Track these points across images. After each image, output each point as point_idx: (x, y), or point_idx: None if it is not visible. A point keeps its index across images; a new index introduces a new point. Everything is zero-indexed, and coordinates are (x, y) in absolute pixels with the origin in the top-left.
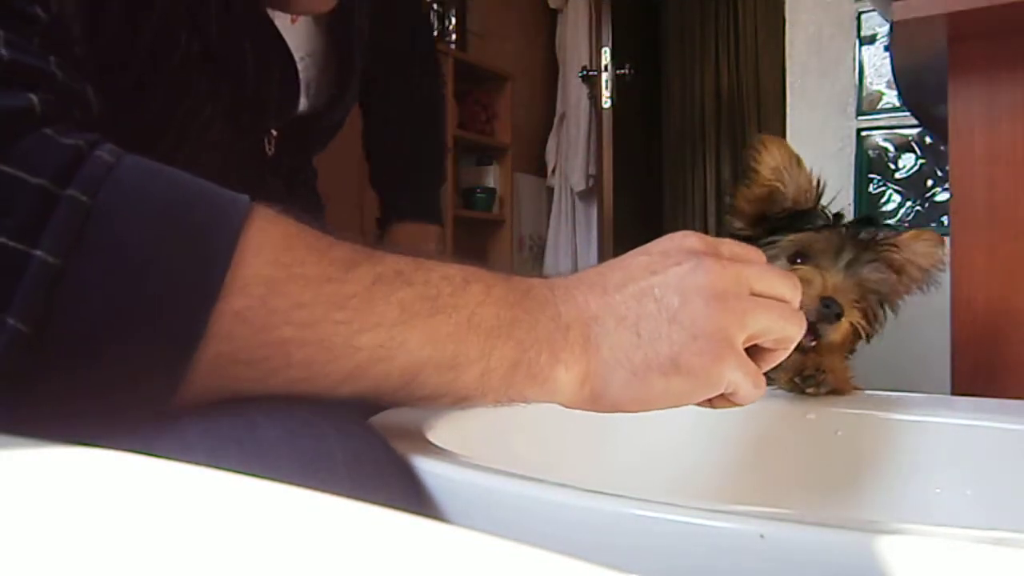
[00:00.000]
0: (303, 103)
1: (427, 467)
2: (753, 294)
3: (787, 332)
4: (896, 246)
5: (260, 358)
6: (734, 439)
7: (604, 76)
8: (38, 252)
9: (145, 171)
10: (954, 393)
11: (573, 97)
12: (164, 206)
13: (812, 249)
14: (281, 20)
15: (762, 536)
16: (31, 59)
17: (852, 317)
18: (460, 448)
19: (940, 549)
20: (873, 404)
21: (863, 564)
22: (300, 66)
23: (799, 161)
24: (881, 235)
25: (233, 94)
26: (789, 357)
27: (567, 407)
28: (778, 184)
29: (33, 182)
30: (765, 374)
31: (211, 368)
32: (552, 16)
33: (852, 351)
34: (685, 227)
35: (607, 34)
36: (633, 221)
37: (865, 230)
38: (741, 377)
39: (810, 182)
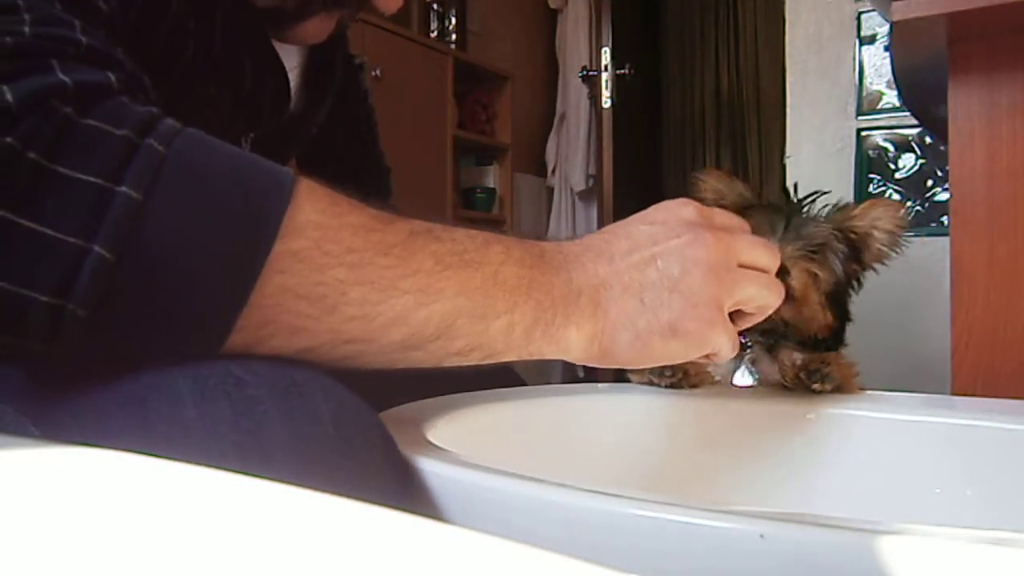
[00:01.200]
0: (292, 103)
1: (428, 467)
2: (740, 265)
3: (768, 300)
4: (855, 216)
5: (318, 295)
6: (734, 440)
7: (604, 76)
8: (122, 188)
9: (201, 139)
10: (954, 393)
11: (573, 97)
12: (229, 159)
13: (753, 229)
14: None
15: (762, 536)
16: (104, 46)
17: (798, 269)
18: (460, 448)
19: (940, 549)
20: (873, 404)
21: (863, 564)
22: (291, 75)
23: (731, 177)
24: (832, 205)
25: (231, 101)
26: (792, 355)
27: (577, 362)
28: (722, 201)
29: (118, 133)
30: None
31: (274, 299)
32: (552, 16)
33: (838, 315)
34: None
35: (607, 34)
36: None
37: (809, 202)
38: (725, 340)
39: (748, 187)
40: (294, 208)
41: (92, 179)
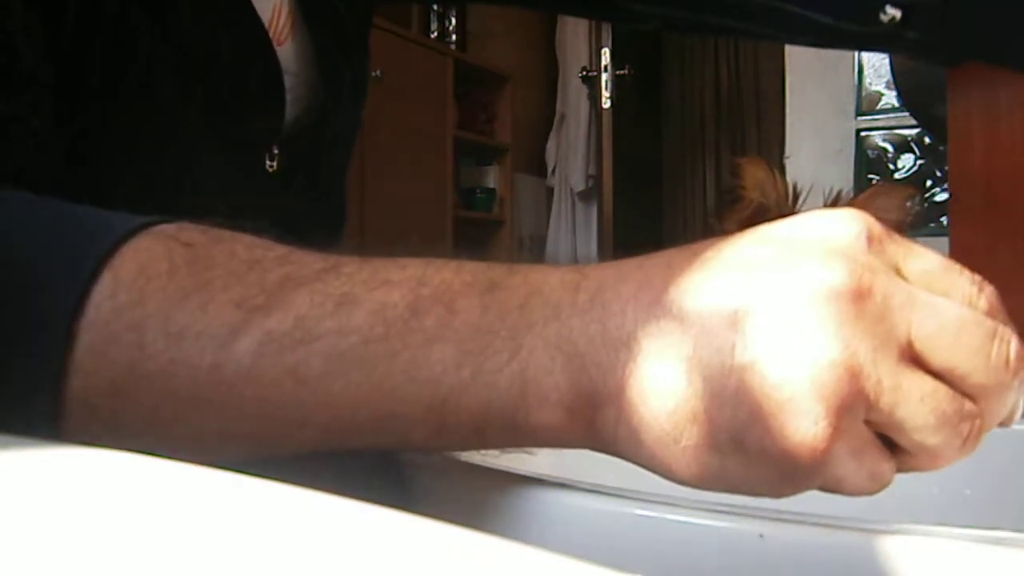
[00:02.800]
0: (290, 113)
1: (420, 464)
2: (933, 371)
3: (949, 451)
4: (857, 207)
5: (122, 424)
6: None
7: (604, 76)
8: None
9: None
10: None
11: (573, 97)
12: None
13: None
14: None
15: (762, 536)
16: None
17: None
18: None
19: (940, 549)
20: None
21: (863, 564)
22: (287, 82)
23: (775, 173)
24: (832, 195)
25: (208, 94)
26: None
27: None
28: (762, 199)
29: None
30: None
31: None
32: (552, 16)
33: None
34: (685, 227)
35: (607, 34)
36: (633, 221)
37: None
38: (852, 469)
39: (787, 189)
40: (73, 374)
41: None
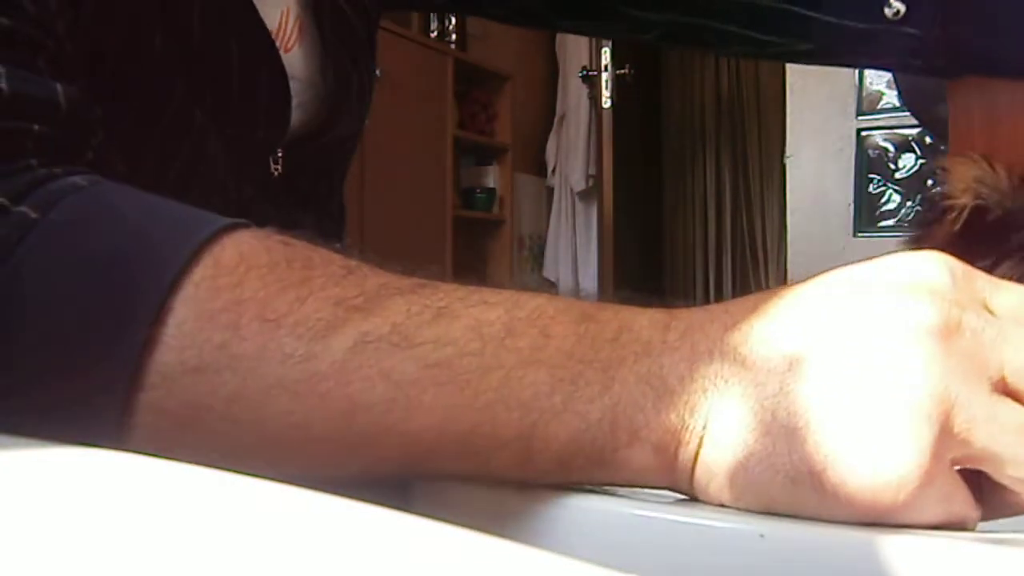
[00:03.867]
0: (297, 118)
1: None
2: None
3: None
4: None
5: (190, 460)
6: None
7: (604, 76)
8: None
9: (65, 228)
10: None
11: (573, 97)
12: (74, 277)
13: None
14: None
15: (762, 536)
16: (34, 89)
17: None
18: None
19: (940, 549)
20: None
21: (863, 564)
22: (293, 87)
23: (994, 166)
24: None
25: (216, 98)
26: None
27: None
28: (980, 200)
29: None
30: None
31: (146, 437)
32: None
33: None
34: (685, 227)
35: None
36: (633, 221)
37: None
38: (936, 514)
39: (1010, 182)
40: (155, 346)
41: None
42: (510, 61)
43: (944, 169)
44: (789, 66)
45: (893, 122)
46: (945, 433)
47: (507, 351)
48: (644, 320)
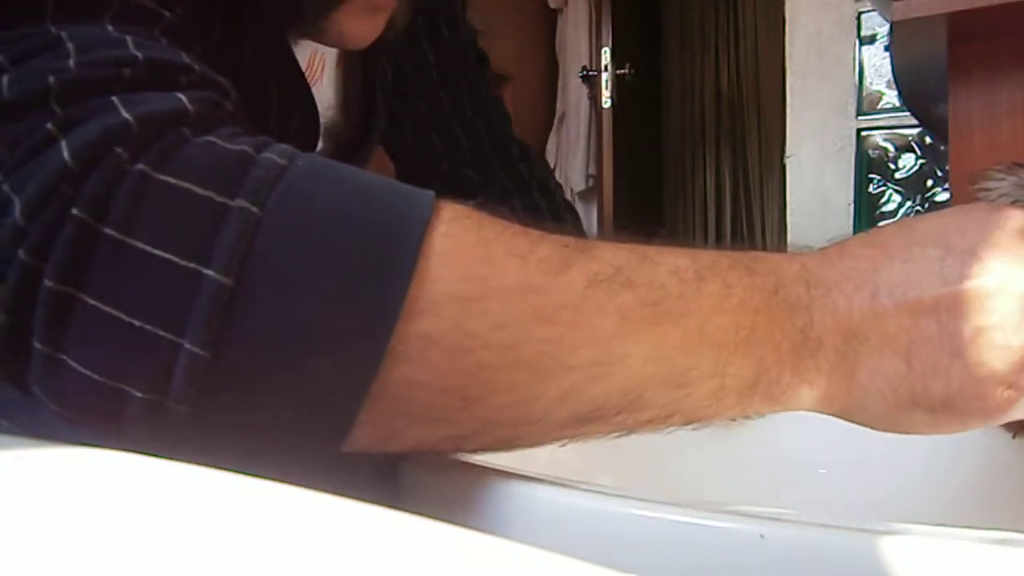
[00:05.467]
0: (320, 146)
1: (418, 462)
2: None
3: None
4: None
5: (457, 385)
6: (738, 437)
7: (604, 76)
8: (210, 271)
9: (316, 173)
10: None
11: (573, 97)
12: (335, 215)
13: None
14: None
15: (762, 536)
16: (167, 54)
17: None
18: None
19: (940, 549)
20: None
21: (863, 565)
22: (323, 118)
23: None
24: None
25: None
26: None
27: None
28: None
29: (200, 193)
30: None
31: (400, 393)
32: (552, 16)
33: None
34: (685, 227)
35: (607, 34)
36: (633, 221)
37: None
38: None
39: None
40: (424, 274)
41: (175, 259)
42: (510, 61)
43: (981, 178)
44: (789, 66)
45: (893, 122)
46: None
47: (703, 296)
48: (791, 274)
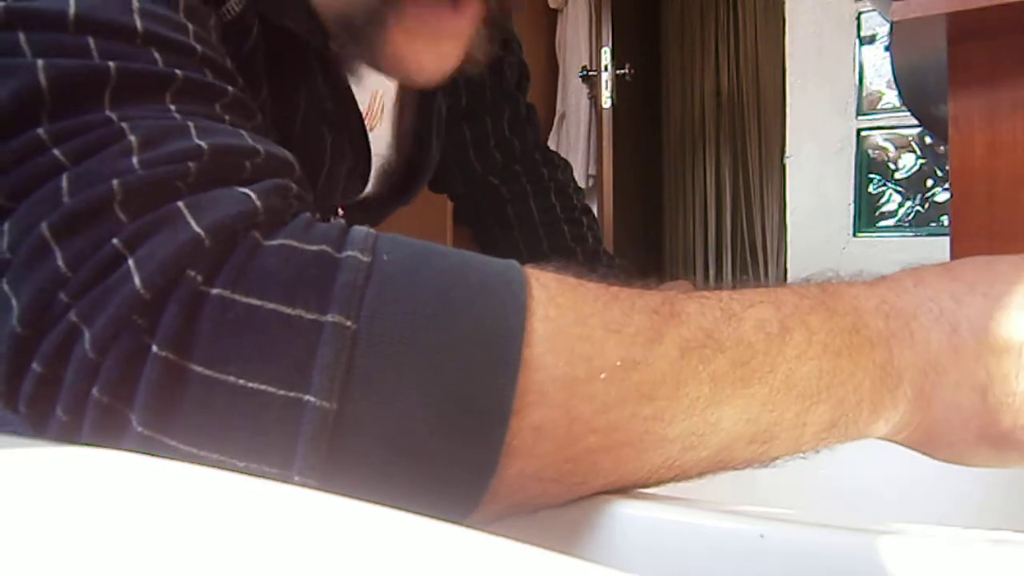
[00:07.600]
0: (368, 189)
1: None
2: None
3: None
4: None
5: (566, 472)
6: None
7: (604, 76)
8: (311, 397)
9: (404, 269)
10: None
11: (573, 97)
12: (431, 317)
13: None
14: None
15: (762, 536)
16: (231, 139)
17: None
18: None
19: (940, 549)
20: None
21: (863, 565)
22: (374, 161)
23: None
24: None
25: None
26: None
27: None
28: None
29: (288, 313)
30: None
31: (513, 487)
32: (552, 16)
33: None
34: (685, 226)
35: (607, 34)
36: (633, 221)
37: None
38: None
39: None
40: (530, 365)
41: (273, 390)
42: None
43: None
44: (789, 66)
45: (893, 122)
46: None
47: (787, 347)
48: (870, 308)
